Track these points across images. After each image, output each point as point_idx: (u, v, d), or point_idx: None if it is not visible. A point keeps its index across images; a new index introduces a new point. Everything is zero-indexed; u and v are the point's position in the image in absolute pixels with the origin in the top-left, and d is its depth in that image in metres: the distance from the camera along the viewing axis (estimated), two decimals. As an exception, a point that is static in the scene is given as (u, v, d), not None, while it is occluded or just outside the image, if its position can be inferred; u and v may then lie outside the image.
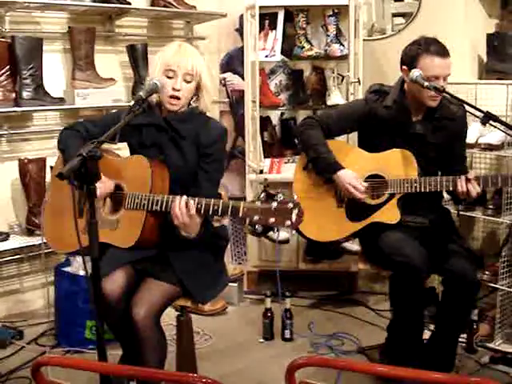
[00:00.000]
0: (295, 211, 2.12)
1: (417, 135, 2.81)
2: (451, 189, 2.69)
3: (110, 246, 2.42)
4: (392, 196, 2.79)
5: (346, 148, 3.00)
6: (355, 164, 2.86)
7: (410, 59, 2.73)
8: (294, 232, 2.19)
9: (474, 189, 2.64)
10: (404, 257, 2.61)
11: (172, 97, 2.45)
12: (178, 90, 2.45)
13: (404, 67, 2.77)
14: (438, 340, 2.81)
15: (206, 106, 2.57)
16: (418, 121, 2.83)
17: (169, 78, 2.45)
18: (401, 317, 2.80)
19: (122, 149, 2.62)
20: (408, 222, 2.81)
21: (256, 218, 2.15)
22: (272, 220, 2.13)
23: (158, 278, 2.41)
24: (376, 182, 2.84)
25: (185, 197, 2.30)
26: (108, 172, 2.42)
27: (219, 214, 2.26)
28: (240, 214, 2.19)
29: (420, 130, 2.82)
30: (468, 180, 2.64)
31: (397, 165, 2.79)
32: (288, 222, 2.13)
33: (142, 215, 2.39)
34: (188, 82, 2.47)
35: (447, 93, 2.68)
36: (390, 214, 2.79)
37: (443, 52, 2.69)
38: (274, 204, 2.13)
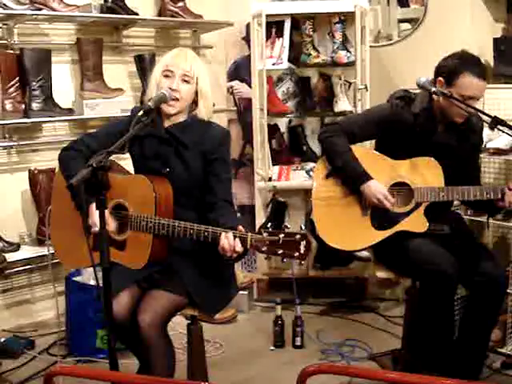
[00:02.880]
0: (303, 243, 2.13)
1: (441, 145, 2.78)
2: (478, 198, 2.68)
3: (116, 264, 2.40)
4: (419, 204, 2.75)
5: (369, 155, 2.92)
6: (380, 172, 2.81)
7: (448, 73, 2.68)
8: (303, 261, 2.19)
9: None
10: (434, 265, 2.58)
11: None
12: (175, 91, 2.44)
13: (440, 79, 2.71)
14: (467, 345, 2.75)
15: (206, 113, 2.54)
16: (442, 131, 2.81)
17: (167, 77, 2.46)
18: (431, 326, 2.71)
19: (126, 159, 2.62)
20: (430, 229, 2.77)
21: (264, 249, 2.17)
22: (280, 251, 2.15)
23: (164, 288, 2.41)
24: (402, 190, 2.80)
25: (231, 232, 2.24)
26: (112, 190, 2.42)
27: None
28: (248, 246, 2.20)
29: (446, 139, 2.79)
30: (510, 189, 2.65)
31: (422, 173, 2.76)
32: (296, 254, 2.14)
33: (149, 237, 2.39)
34: (186, 83, 2.46)
35: (455, 98, 2.67)
36: (417, 223, 2.75)
37: (483, 75, 2.66)
38: (282, 236, 2.14)
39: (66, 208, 2.53)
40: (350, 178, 2.82)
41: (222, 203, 2.46)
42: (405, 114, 2.80)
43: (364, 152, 2.93)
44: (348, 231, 2.84)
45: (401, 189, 2.81)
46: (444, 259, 2.62)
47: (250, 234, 2.21)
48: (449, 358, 2.76)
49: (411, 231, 2.75)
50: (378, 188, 2.75)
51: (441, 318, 2.68)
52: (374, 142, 3.05)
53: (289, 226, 2.18)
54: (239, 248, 2.23)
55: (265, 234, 2.17)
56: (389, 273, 2.94)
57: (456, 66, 2.67)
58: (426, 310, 2.72)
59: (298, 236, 2.13)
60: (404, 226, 2.77)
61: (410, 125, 2.78)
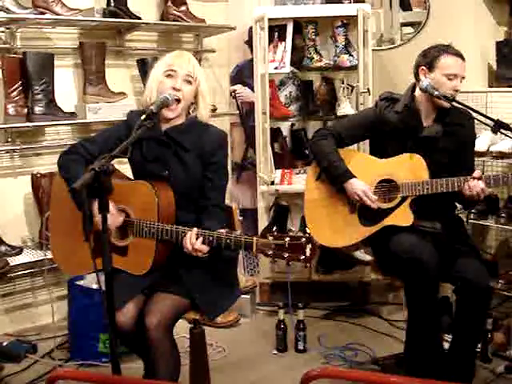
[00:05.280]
0: (309, 246, 2.15)
1: (428, 139, 2.84)
2: (462, 189, 2.70)
3: (120, 271, 2.41)
4: (404, 199, 2.81)
5: (356, 156, 3.04)
6: (366, 171, 2.90)
7: (429, 59, 2.80)
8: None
9: (482, 188, 2.66)
10: (414, 254, 2.62)
11: None
12: (179, 90, 2.44)
13: (422, 67, 2.82)
14: (457, 350, 2.77)
15: (204, 115, 2.56)
16: (428, 125, 2.87)
17: (169, 77, 2.46)
18: (417, 323, 2.75)
19: (125, 164, 2.63)
20: (420, 226, 2.82)
21: (270, 252, 2.19)
22: (286, 255, 2.17)
23: (169, 291, 2.41)
24: (387, 186, 2.86)
25: (195, 230, 2.30)
26: (114, 196, 2.38)
27: (232, 248, 2.27)
28: (254, 250, 2.22)
29: (431, 133, 2.84)
30: (478, 178, 2.66)
31: (407, 168, 2.82)
32: (302, 257, 2.16)
33: (152, 243, 2.39)
34: (188, 83, 2.48)
35: (457, 101, 2.70)
36: (403, 217, 2.80)
37: (461, 54, 2.79)
38: (288, 239, 2.16)
39: (65, 213, 2.53)
40: (334, 178, 2.91)
41: (213, 208, 2.49)
42: (388, 114, 2.90)
43: (351, 153, 3.03)
44: (337, 229, 2.93)
45: (387, 185, 2.87)
46: (425, 250, 2.65)
47: (255, 238, 2.22)
48: (442, 361, 2.77)
49: (398, 225, 2.79)
50: (358, 185, 2.84)
51: (424, 312, 2.69)
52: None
53: (293, 229, 2.20)
54: (198, 246, 2.28)
55: (270, 238, 2.18)
56: (380, 274, 2.97)
57: (434, 51, 2.82)
58: (410, 307, 2.76)
59: (303, 239, 2.16)
60: (390, 220, 2.83)
61: (395, 123, 2.87)
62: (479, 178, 2.67)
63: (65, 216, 2.55)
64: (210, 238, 2.29)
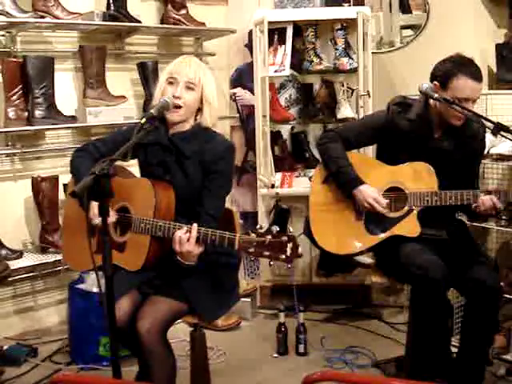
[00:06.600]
0: (290, 245, 2.10)
1: (438, 150, 2.78)
2: (472, 203, 2.67)
3: (117, 267, 2.40)
4: (412, 209, 2.77)
5: (365, 161, 2.98)
6: (374, 177, 2.84)
7: (443, 76, 2.68)
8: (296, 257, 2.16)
9: (495, 203, 2.62)
10: (421, 269, 2.58)
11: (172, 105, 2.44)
12: (179, 98, 2.44)
13: (435, 83, 2.71)
14: (467, 354, 2.74)
15: (209, 120, 2.53)
16: (439, 136, 2.81)
17: (171, 84, 2.46)
18: (424, 330, 2.71)
19: (134, 165, 2.64)
20: (424, 234, 2.77)
21: (251, 250, 2.15)
22: (266, 253, 2.13)
23: (164, 294, 2.41)
24: (396, 195, 2.81)
25: (185, 226, 2.30)
26: (116, 193, 2.41)
27: (216, 244, 2.26)
28: (236, 247, 2.19)
29: (443, 145, 2.79)
30: (489, 193, 2.63)
31: (416, 178, 2.77)
32: (282, 256, 2.11)
33: (147, 239, 2.40)
34: (190, 90, 2.46)
35: (458, 104, 2.68)
36: (410, 227, 2.76)
37: (478, 76, 2.65)
38: (269, 237, 2.12)
39: (76, 211, 2.54)
40: (343, 183, 2.85)
41: (206, 217, 2.45)
42: (400, 120, 2.82)
43: (360, 158, 2.98)
44: (342, 236, 2.88)
45: (395, 194, 2.82)
46: (432, 264, 2.61)
47: (238, 234, 2.20)
48: (451, 365, 2.75)
49: (405, 236, 2.76)
50: (368, 192, 2.78)
51: (432, 321, 2.66)
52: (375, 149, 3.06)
53: (278, 228, 2.15)
54: (188, 246, 2.27)
55: (253, 235, 2.16)
56: (385, 279, 2.95)
57: (450, 68, 2.67)
58: (417, 314, 2.74)
59: (284, 238, 2.11)
60: (397, 230, 2.78)
61: (405, 131, 2.80)
62: (490, 193, 2.63)
63: (74, 213, 2.57)
64: (198, 234, 2.28)
